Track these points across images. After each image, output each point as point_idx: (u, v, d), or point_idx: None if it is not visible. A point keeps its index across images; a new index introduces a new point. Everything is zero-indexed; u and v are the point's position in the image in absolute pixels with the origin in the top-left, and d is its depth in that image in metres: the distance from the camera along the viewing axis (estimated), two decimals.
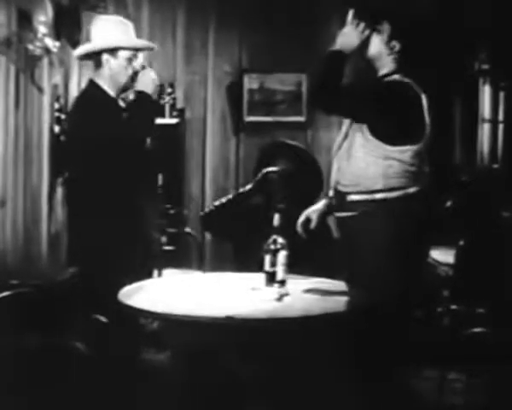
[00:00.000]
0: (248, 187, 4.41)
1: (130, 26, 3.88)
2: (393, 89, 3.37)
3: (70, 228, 3.95)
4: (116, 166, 3.71)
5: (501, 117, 6.32)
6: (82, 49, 3.97)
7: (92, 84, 3.83)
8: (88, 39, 3.91)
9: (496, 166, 6.27)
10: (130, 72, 3.82)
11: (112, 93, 3.82)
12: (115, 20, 3.90)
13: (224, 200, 4.33)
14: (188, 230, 5.94)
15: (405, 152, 3.31)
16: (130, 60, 3.82)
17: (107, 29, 3.80)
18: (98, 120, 3.72)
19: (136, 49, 3.86)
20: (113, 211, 3.73)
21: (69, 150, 3.85)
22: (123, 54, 3.80)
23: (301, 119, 6.35)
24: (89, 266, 3.72)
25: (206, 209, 4.24)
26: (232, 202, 4.36)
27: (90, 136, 3.68)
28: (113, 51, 3.79)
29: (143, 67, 3.89)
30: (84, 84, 5.72)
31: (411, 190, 3.31)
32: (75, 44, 5.29)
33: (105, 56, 3.78)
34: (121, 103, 3.87)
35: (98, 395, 3.14)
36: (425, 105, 3.42)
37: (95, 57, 3.83)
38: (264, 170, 4.41)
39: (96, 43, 3.81)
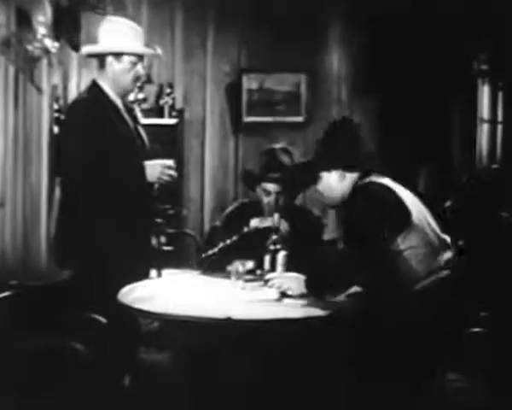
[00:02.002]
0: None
1: (138, 30, 3.89)
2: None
3: (68, 229, 3.91)
4: (114, 167, 3.71)
5: (500, 117, 6.32)
6: (88, 49, 3.98)
7: (94, 86, 3.84)
8: (94, 39, 3.91)
9: (495, 166, 6.27)
10: (132, 76, 3.83)
11: (113, 96, 3.82)
12: (123, 23, 3.89)
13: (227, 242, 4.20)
14: (187, 230, 5.95)
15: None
16: (134, 64, 3.83)
17: (114, 32, 3.82)
18: (97, 122, 3.72)
19: (141, 56, 3.88)
20: (111, 212, 3.73)
21: (67, 151, 3.84)
22: (127, 58, 3.81)
23: (300, 119, 6.35)
24: (87, 266, 3.72)
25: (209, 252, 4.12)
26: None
27: (88, 137, 3.68)
28: (117, 55, 3.80)
29: (148, 79, 3.89)
30: (83, 85, 5.77)
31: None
32: (74, 45, 5.29)
33: (109, 59, 3.80)
34: (121, 106, 3.87)
35: (97, 395, 3.15)
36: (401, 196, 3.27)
37: (99, 58, 3.85)
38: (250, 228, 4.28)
39: (102, 45, 3.83)
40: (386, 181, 3.32)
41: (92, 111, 3.76)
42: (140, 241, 3.87)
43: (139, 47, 3.87)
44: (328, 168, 3.36)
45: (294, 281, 3.33)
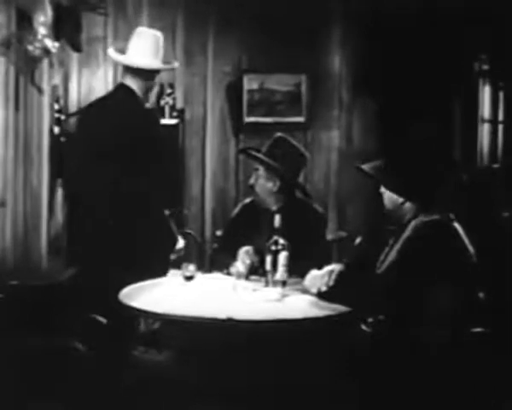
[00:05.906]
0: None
1: (161, 43, 4.22)
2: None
3: (71, 229, 3.96)
4: (132, 166, 3.76)
5: (501, 117, 6.33)
6: (115, 57, 4.31)
7: (122, 87, 4.15)
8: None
9: (496, 166, 6.27)
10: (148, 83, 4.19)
11: (140, 94, 4.12)
12: (149, 39, 4.21)
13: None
14: (188, 230, 5.94)
15: None
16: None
17: (138, 49, 4.16)
18: (126, 120, 3.85)
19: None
20: (120, 211, 3.74)
21: (81, 149, 3.91)
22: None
23: (301, 119, 6.35)
24: (89, 266, 3.72)
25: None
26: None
27: (108, 136, 3.77)
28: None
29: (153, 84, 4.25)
30: (83, 85, 5.80)
31: None
32: (75, 45, 5.29)
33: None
34: (147, 105, 4.09)
35: (97, 395, 3.15)
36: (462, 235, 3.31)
37: None
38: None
39: (128, 58, 4.17)
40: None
41: (122, 109, 4.07)
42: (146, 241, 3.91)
43: (158, 64, 4.22)
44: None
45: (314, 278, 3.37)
